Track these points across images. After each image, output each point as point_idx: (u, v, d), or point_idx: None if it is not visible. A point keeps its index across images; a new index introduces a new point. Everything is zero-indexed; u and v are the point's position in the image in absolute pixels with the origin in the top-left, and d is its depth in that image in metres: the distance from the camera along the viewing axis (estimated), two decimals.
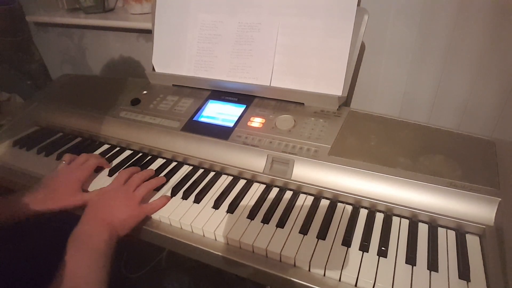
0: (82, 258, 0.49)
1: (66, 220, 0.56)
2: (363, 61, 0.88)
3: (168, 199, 0.63)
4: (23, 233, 0.76)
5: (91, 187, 0.67)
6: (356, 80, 0.90)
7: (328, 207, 0.59)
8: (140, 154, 0.76)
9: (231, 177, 0.67)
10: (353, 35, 0.68)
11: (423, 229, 0.54)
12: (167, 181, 0.67)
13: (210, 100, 0.79)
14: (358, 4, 0.68)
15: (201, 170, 0.70)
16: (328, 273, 0.49)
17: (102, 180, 0.69)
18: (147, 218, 0.61)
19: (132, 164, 0.73)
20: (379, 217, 0.57)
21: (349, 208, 0.59)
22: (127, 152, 0.77)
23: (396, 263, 0.49)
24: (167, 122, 0.76)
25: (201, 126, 0.74)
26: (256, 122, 0.71)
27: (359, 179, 0.59)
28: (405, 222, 0.56)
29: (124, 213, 0.57)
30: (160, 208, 0.61)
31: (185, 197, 0.63)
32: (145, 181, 0.64)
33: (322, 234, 0.54)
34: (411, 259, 0.49)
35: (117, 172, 0.70)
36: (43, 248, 0.70)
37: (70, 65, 1.48)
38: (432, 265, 0.48)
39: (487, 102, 0.82)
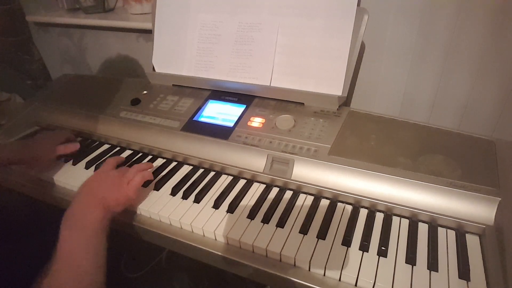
0: (77, 236, 0.50)
1: None
2: (363, 61, 0.88)
3: (150, 175, 0.64)
4: (22, 233, 0.76)
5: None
6: (356, 80, 0.90)
7: (328, 207, 0.59)
8: (140, 154, 0.76)
9: (231, 177, 0.67)
10: (353, 35, 0.68)
11: (423, 229, 0.54)
12: (167, 180, 0.67)
13: (210, 100, 0.79)
14: (358, 4, 0.68)
15: (201, 170, 0.70)
16: (328, 273, 0.49)
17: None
18: (147, 219, 0.61)
19: (132, 164, 0.73)
20: (379, 217, 0.57)
21: (349, 208, 0.59)
22: (127, 152, 0.77)
23: (396, 263, 0.49)
24: (167, 122, 0.76)
25: (201, 126, 0.74)
26: (256, 122, 0.71)
27: (359, 179, 0.59)
28: (405, 222, 0.56)
29: (116, 192, 0.58)
30: (144, 179, 0.62)
31: (185, 197, 0.63)
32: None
33: (322, 234, 0.54)
34: (411, 259, 0.49)
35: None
36: (44, 249, 0.70)
37: (70, 65, 1.48)
38: (432, 265, 0.48)
39: (487, 102, 0.82)
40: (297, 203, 0.60)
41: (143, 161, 0.74)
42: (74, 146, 0.76)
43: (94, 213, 0.53)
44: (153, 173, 0.69)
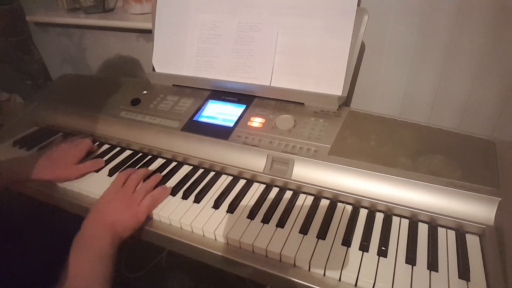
0: (86, 260, 0.50)
1: (66, 221, 0.56)
2: (363, 61, 0.88)
3: (165, 190, 0.63)
4: (23, 233, 0.76)
5: (91, 186, 0.67)
6: (356, 80, 0.90)
7: (328, 207, 0.59)
8: (140, 154, 0.76)
9: (231, 177, 0.67)
10: (353, 35, 0.68)
11: (423, 229, 0.54)
12: (167, 180, 0.67)
13: (210, 100, 0.79)
14: (358, 4, 0.68)
15: (201, 170, 0.70)
16: (328, 273, 0.49)
17: (102, 179, 0.69)
18: (147, 218, 0.61)
19: (132, 164, 0.73)
20: (379, 217, 0.57)
21: (349, 208, 0.59)
22: (127, 152, 0.77)
23: (396, 263, 0.49)
24: (167, 122, 0.76)
25: (201, 126, 0.74)
26: (256, 122, 0.71)
27: (359, 179, 0.59)
28: (405, 222, 0.56)
29: (125, 215, 0.57)
30: (160, 201, 0.62)
31: (185, 197, 0.63)
32: (143, 181, 0.65)
33: (322, 234, 0.54)
34: (411, 259, 0.49)
35: (116, 174, 0.70)
36: (44, 249, 0.70)
37: (70, 65, 1.48)
38: (432, 265, 0.48)
39: (487, 102, 0.82)
40: (297, 203, 0.60)
41: (143, 161, 0.74)
42: (98, 163, 0.72)
43: (103, 238, 0.53)
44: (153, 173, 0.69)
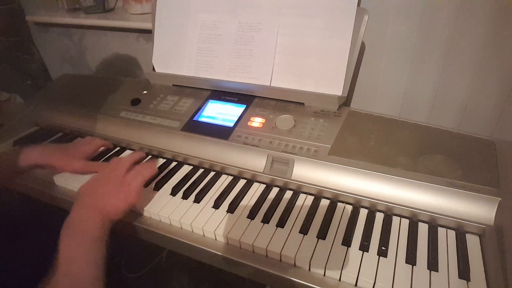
0: (76, 244, 0.50)
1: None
2: (363, 61, 0.88)
3: (152, 167, 0.64)
4: (22, 233, 0.76)
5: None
6: (356, 80, 0.90)
7: (328, 207, 0.59)
8: None
9: (231, 177, 0.67)
10: (353, 35, 0.68)
11: (423, 228, 0.54)
12: (167, 180, 0.67)
13: (210, 100, 0.79)
14: (358, 4, 0.68)
15: (201, 170, 0.70)
16: (328, 272, 0.49)
17: None
18: (147, 219, 0.61)
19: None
20: (379, 217, 0.57)
21: (349, 208, 0.59)
22: (127, 153, 0.77)
23: (396, 263, 0.49)
24: (167, 122, 0.76)
25: (201, 126, 0.74)
26: (256, 122, 0.71)
27: (359, 179, 0.59)
28: (405, 222, 0.56)
29: (115, 197, 0.57)
30: (147, 177, 0.62)
31: (185, 197, 0.63)
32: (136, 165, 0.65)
33: (322, 234, 0.54)
34: (411, 259, 0.49)
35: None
36: (44, 249, 0.70)
37: (70, 65, 1.48)
38: (432, 265, 0.48)
39: (487, 102, 0.82)
40: (297, 203, 0.60)
41: (143, 161, 0.73)
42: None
43: (93, 221, 0.53)
44: None
